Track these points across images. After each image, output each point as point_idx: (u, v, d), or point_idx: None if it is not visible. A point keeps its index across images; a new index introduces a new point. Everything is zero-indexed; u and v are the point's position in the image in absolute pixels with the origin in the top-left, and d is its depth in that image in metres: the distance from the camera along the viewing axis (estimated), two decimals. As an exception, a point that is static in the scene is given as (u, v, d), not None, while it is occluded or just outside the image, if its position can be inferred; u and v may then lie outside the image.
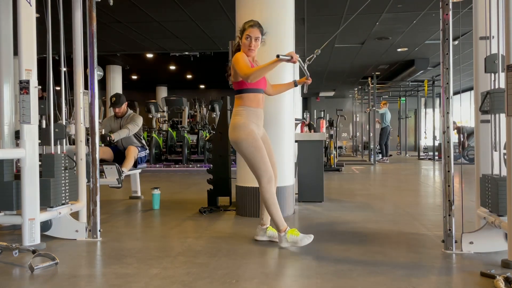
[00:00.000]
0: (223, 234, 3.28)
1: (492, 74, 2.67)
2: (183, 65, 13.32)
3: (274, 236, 3.07)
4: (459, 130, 11.29)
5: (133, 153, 4.79)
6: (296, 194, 4.64)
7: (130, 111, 5.18)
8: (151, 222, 3.89)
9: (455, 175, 2.71)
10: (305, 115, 13.44)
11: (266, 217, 3.07)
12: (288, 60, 2.72)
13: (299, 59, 2.80)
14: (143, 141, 5.23)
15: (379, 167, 10.40)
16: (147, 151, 5.21)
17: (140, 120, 5.07)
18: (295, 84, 3.26)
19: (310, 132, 10.15)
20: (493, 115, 2.63)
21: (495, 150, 2.65)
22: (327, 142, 9.22)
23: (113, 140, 4.77)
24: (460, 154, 11.04)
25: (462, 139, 11.23)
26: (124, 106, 5.07)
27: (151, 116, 11.05)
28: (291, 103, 4.15)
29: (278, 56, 2.68)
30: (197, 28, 8.60)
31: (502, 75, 2.49)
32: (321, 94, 20.71)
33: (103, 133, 4.79)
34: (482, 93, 2.68)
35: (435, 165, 10.85)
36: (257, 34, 2.93)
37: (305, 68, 3.01)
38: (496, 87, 2.63)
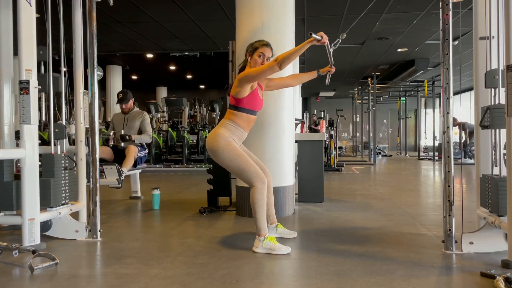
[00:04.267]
0: (223, 234, 3.28)
1: (492, 89, 2.66)
2: (183, 65, 13.34)
3: (285, 233, 3.12)
4: (460, 126, 11.21)
5: (133, 152, 4.79)
6: (296, 194, 4.64)
7: (136, 108, 5.32)
8: (151, 222, 3.89)
9: (455, 175, 2.70)
10: (305, 115, 13.47)
11: (272, 215, 3.10)
12: (318, 41, 2.63)
13: (328, 42, 2.71)
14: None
15: (379, 167, 10.40)
16: (147, 150, 5.22)
17: (149, 118, 5.25)
18: (318, 73, 3.18)
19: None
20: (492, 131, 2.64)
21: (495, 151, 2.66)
22: (327, 142, 9.22)
23: (134, 141, 4.89)
24: (461, 150, 11.02)
25: (464, 136, 11.17)
26: (131, 102, 5.22)
27: (151, 116, 11.05)
28: (291, 103, 4.15)
29: (311, 34, 2.57)
30: (197, 28, 8.60)
31: (502, 90, 2.50)
32: (321, 94, 20.73)
33: (122, 133, 4.94)
34: (482, 108, 2.68)
35: (435, 165, 10.85)
36: (269, 54, 2.90)
37: (331, 54, 2.88)
38: (496, 102, 2.63)
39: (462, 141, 11.21)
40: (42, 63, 3.15)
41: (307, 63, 11.78)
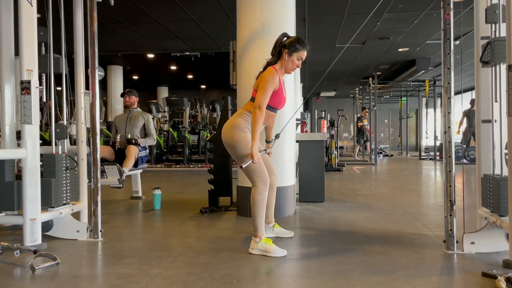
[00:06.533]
0: (224, 234, 3.28)
1: (493, 25, 2.64)
2: (184, 65, 13.34)
3: (281, 233, 3.11)
4: (466, 111, 10.89)
5: (133, 152, 4.79)
6: (297, 194, 4.64)
7: (139, 108, 5.36)
8: (152, 222, 3.89)
9: (457, 175, 2.70)
10: (306, 115, 13.42)
11: (270, 215, 3.09)
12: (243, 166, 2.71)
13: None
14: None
15: (380, 167, 10.39)
16: (148, 150, 5.22)
17: (152, 120, 5.31)
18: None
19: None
20: (493, 67, 2.61)
21: (496, 101, 2.63)
22: (328, 142, 9.22)
23: (139, 144, 4.94)
24: (462, 142, 10.82)
25: (466, 123, 10.85)
26: (134, 99, 5.29)
27: (152, 116, 11.05)
28: (292, 103, 4.14)
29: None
30: (198, 28, 8.60)
31: (503, 26, 2.47)
32: (322, 94, 20.71)
33: (129, 137, 4.97)
34: (482, 45, 2.66)
35: (436, 165, 10.84)
36: (304, 56, 2.88)
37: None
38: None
39: (462, 129, 10.90)
40: (43, 44, 3.09)
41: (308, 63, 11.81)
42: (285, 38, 2.89)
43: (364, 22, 8.01)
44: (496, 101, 2.64)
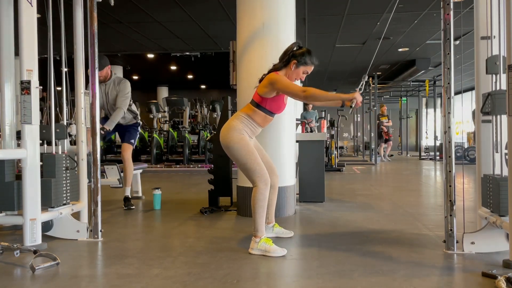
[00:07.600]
0: (224, 234, 3.28)
1: (494, 76, 2.66)
2: (184, 65, 13.34)
3: (281, 233, 3.12)
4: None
5: (129, 172, 4.54)
6: (297, 194, 4.64)
7: (114, 75, 4.54)
8: (152, 222, 3.89)
9: (457, 175, 2.70)
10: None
11: (271, 215, 3.09)
12: (353, 105, 2.72)
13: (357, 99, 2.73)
14: (134, 109, 4.67)
15: (380, 167, 10.39)
16: (140, 123, 4.78)
17: (128, 88, 4.46)
18: (343, 104, 2.98)
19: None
20: (494, 116, 2.63)
21: (496, 152, 2.65)
22: (328, 142, 9.22)
23: (109, 131, 4.38)
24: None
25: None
26: (107, 69, 4.43)
27: (152, 116, 11.06)
28: (292, 103, 4.14)
29: (351, 106, 2.72)
30: (198, 28, 8.60)
31: (504, 77, 2.50)
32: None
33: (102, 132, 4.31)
34: (483, 95, 2.68)
35: (436, 165, 10.84)
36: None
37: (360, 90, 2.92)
38: (498, 88, 2.63)
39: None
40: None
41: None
42: (296, 48, 2.88)
43: (366, 22, 8.03)
44: (497, 152, 2.64)
